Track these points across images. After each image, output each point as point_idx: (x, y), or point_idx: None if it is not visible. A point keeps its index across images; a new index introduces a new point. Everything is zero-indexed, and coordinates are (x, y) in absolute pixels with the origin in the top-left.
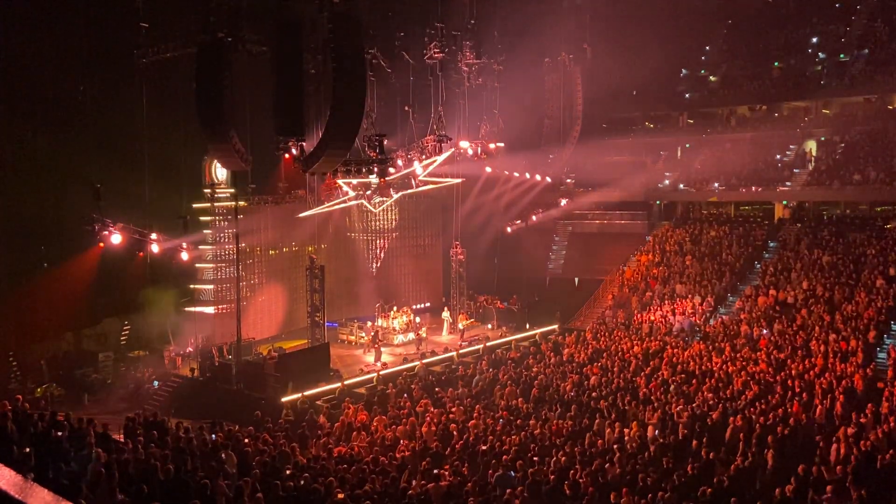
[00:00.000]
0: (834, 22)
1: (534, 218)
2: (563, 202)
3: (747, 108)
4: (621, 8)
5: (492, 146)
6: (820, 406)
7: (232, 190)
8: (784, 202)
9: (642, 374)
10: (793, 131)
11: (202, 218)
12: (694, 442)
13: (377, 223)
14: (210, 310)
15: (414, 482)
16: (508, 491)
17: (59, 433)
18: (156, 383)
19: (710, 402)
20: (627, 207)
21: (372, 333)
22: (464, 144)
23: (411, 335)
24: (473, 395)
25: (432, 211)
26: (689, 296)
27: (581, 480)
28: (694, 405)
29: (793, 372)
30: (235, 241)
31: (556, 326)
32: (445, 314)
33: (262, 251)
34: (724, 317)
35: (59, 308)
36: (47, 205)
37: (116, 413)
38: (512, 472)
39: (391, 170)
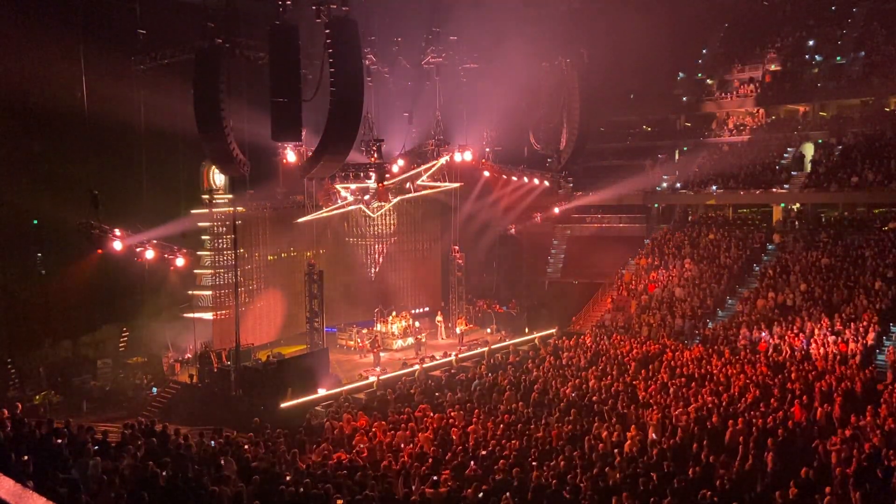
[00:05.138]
0: (830, 25)
1: (538, 218)
2: (562, 206)
3: (745, 111)
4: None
5: (489, 150)
6: (820, 408)
7: (230, 195)
8: (782, 204)
9: (641, 377)
10: (790, 134)
11: (200, 224)
12: (694, 445)
13: (376, 228)
14: (209, 316)
15: (414, 487)
16: (508, 495)
17: (59, 440)
18: (154, 390)
19: (710, 406)
20: (626, 210)
21: (371, 338)
22: (462, 151)
23: (410, 340)
24: (473, 399)
25: (431, 215)
26: (689, 298)
27: (582, 485)
28: (694, 408)
29: (792, 374)
30: (234, 246)
31: (554, 330)
32: (438, 318)
33: (260, 256)
34: (723, 319)
35: (58, 315)
36: (45, 211)
37: (115, 420)
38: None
39: (389, 174)
